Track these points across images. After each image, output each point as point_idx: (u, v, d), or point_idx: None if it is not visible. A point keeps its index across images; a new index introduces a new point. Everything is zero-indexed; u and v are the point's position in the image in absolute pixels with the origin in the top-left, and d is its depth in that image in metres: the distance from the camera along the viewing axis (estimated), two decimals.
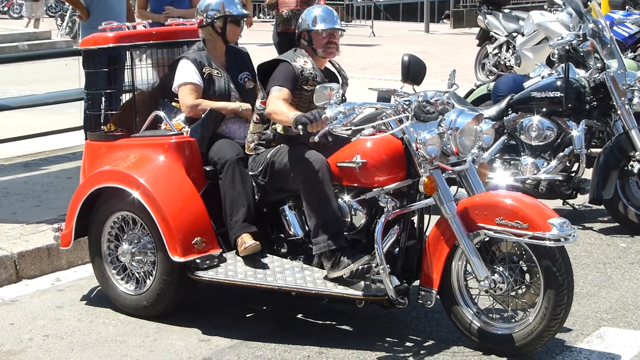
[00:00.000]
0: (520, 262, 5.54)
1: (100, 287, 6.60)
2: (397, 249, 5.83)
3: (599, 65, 8.13)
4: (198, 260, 5.97)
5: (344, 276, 5.69)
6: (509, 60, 14.83)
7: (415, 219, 5.98)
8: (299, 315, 6.30)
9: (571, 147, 8.08)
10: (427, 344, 5.81)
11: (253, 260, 6.08)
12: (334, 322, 6.16)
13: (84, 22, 10.00)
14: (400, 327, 6.07)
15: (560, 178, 8.12)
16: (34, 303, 6.67)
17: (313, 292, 5.78)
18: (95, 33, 6.82)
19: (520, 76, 9.01)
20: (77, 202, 6.38)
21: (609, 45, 8.15)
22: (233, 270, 5.98)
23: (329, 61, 6.44)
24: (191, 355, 5.73)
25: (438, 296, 5.67)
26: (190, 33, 6.90)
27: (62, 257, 7.36)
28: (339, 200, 5.92)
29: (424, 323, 6.11)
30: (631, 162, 8.01)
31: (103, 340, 5.99)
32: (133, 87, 6.65)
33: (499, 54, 15.30)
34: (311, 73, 6.15)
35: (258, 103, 6.24)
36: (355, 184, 5.86)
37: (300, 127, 5.61)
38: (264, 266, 6.02)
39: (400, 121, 5.71)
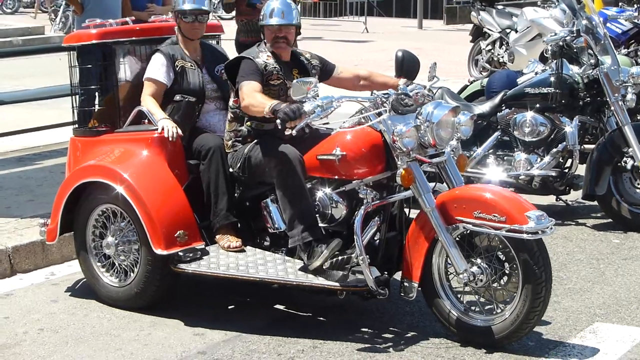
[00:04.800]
0: (499, 254, 5.60)
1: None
2: (378, 241, 5.90)
3: (592, 61, 8.16)
4: (181, 253, 6.05)
5: (324, 267, 5.76)
6: (502, 57, 14.88)
7: (395, 210, 6.03)
8: (293, 310, 6.36)
9: (564, 143, 8.12)
10: (421, 338, 5.84)
11: (235, 253, 6.16)
12: (327, 317, 6.22)
13: (78, 17, 10.05)
14: (394, 321, 6.11)
15: (553, 174, 8.16)
16: (29, 297, 6.71)
17: (294, 283, 5.85)
18: (79, 30, 6.87)
19: (514, 72, 9.09)
20: (62, 197, 6.46)
21: (602, 42, 8.18)
22: (215, 262, 6.06)
23: (297, 52, 6.49)
24: (185, 349, 5.76)
25: (419, 288, 5.73)
26: (170, 29, 6.92)
27: (56, 251, 7.40)
28: (320, 192, 5.99)
29: (417, 318, 6.15)
30: (624, 158, 8.04)
31: (97, 333, 6.03)
32: (115, 83, 6.71)
33: (492, 50, 15.32)
34: (275, 67, 6.20)
35: (231, 102, 6.32)
36: (336, 177, 5.93)
37: (279, 122, 5.67)
38: (246, 258, 6.09)
39: (379, 114, 5.79)
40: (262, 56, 6.21)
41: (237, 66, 6.18)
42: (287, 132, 5.67)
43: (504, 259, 5.61)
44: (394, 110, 5.75)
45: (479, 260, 5.62)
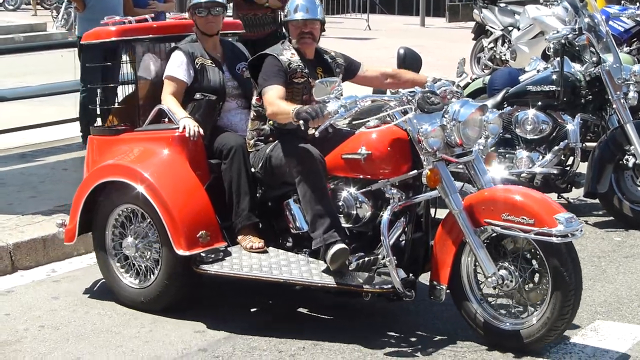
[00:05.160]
0: (530, 257, 5.49)
1: (95, 279, 6.67)
2: (404, 241, 5.80)
3: (594, 59, 8.15)
4: (203, 254, 5.94)
5: (350, 268, 5.65)
6: (505, 54, 14.88)
7: (421, 210, 5.93)
8: (296, 308, 6.28)
9: (566, 140, 8.07)
10: (424, 337, 5.78)
11: (258, 254, 6.06)
12: (329, 316, 6.16)
13: (80, 14, 10.03)
14: (399, 321, 6.05)
15: (555, 172, 8.10)
16: (30, 294, 6.67)
17: (319, 284, 5.75)
18: (97, 27, 6.77)
19: (516, 70, 9.04)
20: (80, 196, 6.36)
21: (604, 40, 8.16)
22: (238, 263, 5.95)
23: (322, 49, 6.37)
24: (186, 347, 5.74)
25: (448, 291, 5.64)
26: (190, 27, 6.82)
27: (57, 248, 7.35)
28: (344, 192, 5.89)
29: (422, 317, 6.08)
30: (626, 156, 8.00)
31: (98, 330, 5.99)
32: (135, 81, 6.62)
33: (494, 48, 15.34)
34: (299, 65, 6.10)
35: (254, 100, 6.21)
36: (361, 176, 5.83)
37: (301, 122, 5.57)
38: (270, 260, 5.98)
39: (405, 112, 5.68)
40: (286, 53, 6.10)
41: (260, 63, 6.07)
42: (310, 132, 5.57)
43: (533, 262, 5.49)
44: (420, 109, 5.64)
45: (507, 264, 5.51)
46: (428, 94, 5.72)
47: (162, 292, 6.12)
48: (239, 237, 6.18)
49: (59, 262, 7.33)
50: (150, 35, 6.67)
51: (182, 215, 5.95)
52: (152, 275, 6.19)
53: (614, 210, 8.08)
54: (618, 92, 7.92)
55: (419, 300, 5.87)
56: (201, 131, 6.19)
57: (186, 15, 6.79)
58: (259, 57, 6.15)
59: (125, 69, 6.80)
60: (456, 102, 5.66)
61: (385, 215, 5.61)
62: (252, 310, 6.30)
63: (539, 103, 8.19)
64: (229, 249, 6.10)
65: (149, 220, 6.15)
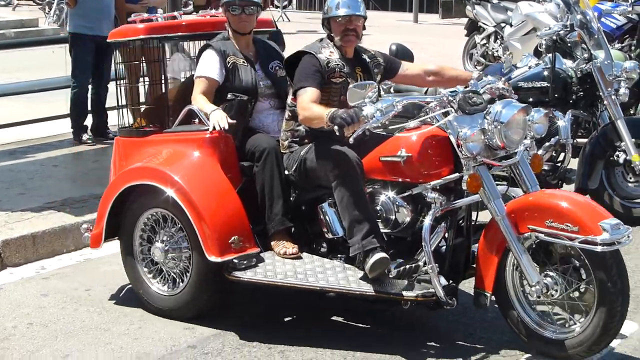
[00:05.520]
0: (577, 265, 5.25)
1: (85, 276, 6.68)
2: (445, 247, 5.57)
3: (586, 55, 8.12)
4: (235, 260, 5.72)
5: (390, 276, 5.42)
6: (497, 51, 14.92)
7: (462, 214, 5.70)
8: (330, 317, 6.09)
9: (557, 136, 8.00)
10: (464, 347, 5.61)
11: (292, 260, 5.85)
12: (320, 311, 6.06)
13: (71, 10, 9.97)
14: (437, 329, 5.89)
15: (546, 168, 8.00)
16: (19, 291, 6.59)
17: (357, 292, 5.52)
18: (125, 25, 6.56)
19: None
20: (107, 200, 6.14)
21: (596, 36, 8.11)
22: (272, 270, 5.73)
23: (361, 48, 6.14)
24: (175, 343, 5.69)
25: (493, 298, 5.43)
26: (220, 24, 6.61)
27: (47, 245, 7.29)
28: (382, 196, 5.66)
29: (462, 324, 5.89)
30: (617, 152, 7.93)
31: (87, 328, 5.93)
32: (165, 81, 6.39)
33: (487, 45, 15.38)
34: (337, 64, 5.86)
35: (289, 100, 5.98)
36: (400, 179, 5.60)
37: (336, 129, 5.36)
38: (304, 266, 5.76)
39: (446, 114, 5.45)
40: (325, 52, 5.88)
41: (297, 61, 5.85)
42: (345, 138, 5.36)
43: (580, 269, 5.25)
44: (461, 110, 5.40)
45: (553, 271, 5.28)
46: (470, 93, 5.48)
47: (193, 300, 5.90)
48: (272, 243, 5.97)
49: (48, 259, 7.26)
50: (180, 33, 6.43)
51: (214, 220, 5.73)
52: (181, 282, 5.98)
53: (604, 207, 7.91)
54: (609, 89, 7.88)
55: (440, 310, 5.65)
56: (228, 122, 5.93)
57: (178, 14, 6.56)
58: (295, 55, 5.92)
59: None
60: (498, 103, 5.42)
61: (427, 220, 5.38)
62: (241, 308, 6.22)
63: (530, 99, 8.07)
64: (261, 254, 5.88)
65: (179, 225, 5.93)
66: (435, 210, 5.41)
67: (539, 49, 8.82)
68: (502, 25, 14.83)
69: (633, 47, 10.44)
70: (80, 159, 9.75)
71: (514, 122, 5.33)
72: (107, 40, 6.55)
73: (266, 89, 6.35)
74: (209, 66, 6.20)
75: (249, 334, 5.73)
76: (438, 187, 5.48)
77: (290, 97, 5.94)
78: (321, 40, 6.00)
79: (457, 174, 5.44)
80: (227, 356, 5.52)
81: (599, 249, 4.98)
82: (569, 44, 8.43)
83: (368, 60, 6.07)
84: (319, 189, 5.91)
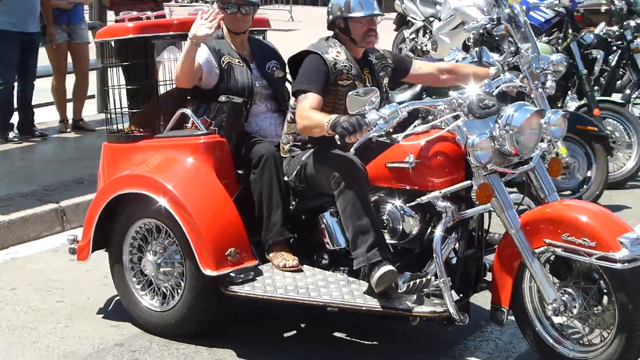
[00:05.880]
0: (597, 279, 4.91)
1: (8, 275, 6.49)
2: (455, 259, 5.23)
3: (513, 49, 8.03)
4: (232, 274, 5.35)
5: (400, 291, 5.07)
6: (426, 45, 14.79)
7: (473, 224, 5.36)
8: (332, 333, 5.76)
9: None
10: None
11: (292, 273, 5.49)
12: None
13: None
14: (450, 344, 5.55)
15: None
16: None
17: (362, 308, 5.16)
18: (114, 24, 6.19)
19: (436, 60, 8.84)
20: (95, 210, 5.78)
21: (523, 29, 7.91)
22: (271, 284, 5.37)
23: (369, 49, 5.77)
24: (103, 342, 5.62)
25: (511, 313, 5.11)
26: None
27: None
28: (389, 205, 5.31)
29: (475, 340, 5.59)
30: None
31: (13, 327, 5.83)
32: (155, 83, 6.02)
33: (415, 39, 15.32)
34: (345, 65, 5.50)
35: (292, 101, 5.61)
36: (407, 187, 5.25)
37: (337, 138, 4.98)
38: (305, 279, 5.42)
39: (456, 117, 5.11)
40: (332, 52, 5.52)
41: (300, 60, 5.50)
42: (349, 147, 5.01)
43: (599, 285, 4.91)
44: (472, 114, 5.05)
45: (572, 287, 4.94)
46: (481, 95, 5.13)
47: (186, 315, 5.54)
48: (271, 254, 5.62)
49: None
50: (171, 32, 6.05)
51: (210, 231, 5.37)
52: (174, 297, 5.62)
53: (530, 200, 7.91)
54: (536, 82, 7.59)
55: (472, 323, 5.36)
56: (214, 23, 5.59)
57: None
58: (300, 54, 5.58)
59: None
60: (510, 107, 5.06)
61: (438, 231, 5.03)
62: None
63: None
64: (259, 267, 5.53)
65: (171, 236, 5.56)
66: (447, 220, 5.06)
67: (467, 42, 8.72)
68: (431, 19, 14.75)
69: (560, 40, 10.39)
70: (7, 157, 9.56)
71: (526, 126, 4.99)
72: (96, 40, 6.17)
73: (263, 90, 5.99)
74: (197, 54, 5.78)
75: None
76: (449, 195, 5.13)
77: (292, 98, 5.59)
78: (327, 39, 5.65)
79: (468, 182, 5.10)
80: (154, 353, 5.44)
81: (617, 266, 4.64)
82: (496, 38, 8.45)
83: (375, 61, 5.71)
84: (320, 197, 5.57)
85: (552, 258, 4.98)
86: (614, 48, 10.16)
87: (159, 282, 5.68)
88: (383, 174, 5.29)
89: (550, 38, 11.67)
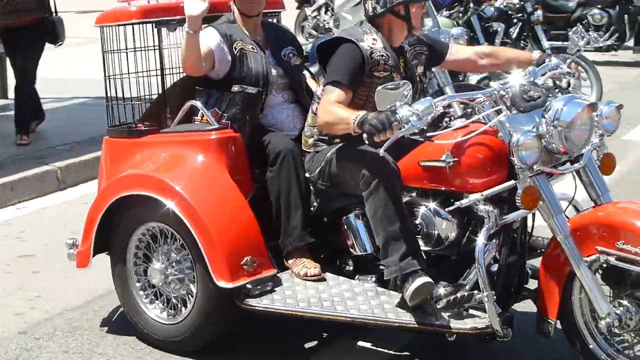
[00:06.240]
0: None
1: None
2: (496, 267, 4.69)
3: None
4: (249, 286, 4.84)
5: (438, 306, 4.54)
6: (328, 22, 14.57)
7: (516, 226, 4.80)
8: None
9: None
10: None
11: (315, 282, 4.97)
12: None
13: None
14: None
15: None
16: None
17: (395, 324, 4.64)
18: (115, 7, 5.62)
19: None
20: (96, 213, 5.25)
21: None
22: (292, 296, 4.85)
23: None
24: (5, 330, 5.54)
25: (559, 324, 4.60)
26: (224, 5, 5.63)
27: None
28: (422, 207, 4.78)
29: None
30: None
31: None
32: (162, 72, 5.47)
33: (317, 17, 15.29)
34: (382, 55, 4.92)
35: (319, 91, 5.07)
36: (443, 188, 4.71)
37: (365, 137, 4.42)
38: (329, 290, 4.90)
39: (498, 112, 4.56)
40: (368, 39, 4.94)
41: (333, 48, 4.94)
42: (381, 151, 4.46)
43: None
44: (515, 107, 4.51)
45: (627, 299, 4.42)
46: (525, 86, 4.58)
47: (197, 329, 5.01)
48: (290, 261, 5.10)
49: None
50: (178, 17, 5.48)
51: (224, 237, 4.85)
52: (184, 308, 5.10)
53: None
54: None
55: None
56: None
57: None
58: (332, 41, 5.02)
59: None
60: (558, 100, 4.51)
61: (480, 239, 4.48)
62: (72, 289, 6.09)
63: None
64: (278, 275, 5.01)
65: (180, 242, 5.04)
66: (490, 226, 4.52)
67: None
68: None
69: (461, 14, 10.18)
70: None
71: (577, 121, 4.45)
72: (95, 25, 5.60)
73: (279, 79, 5.45)
74: (207, 38, 5.26)
75: (81, 317, 5.63)
76: (489, 198, 4.59)
77: (320, 87, 5.04)
78: (361, 23, 5.08)
79: (511, 182, 4.55)
80: (58, 340, 5.37)
81: None
82: None
83: (408, 48, 5.15)
84: (345, 198, 5.05)
85: (603, 265, 4.46)
86: (515, 21, 10.57)
87: (167, 292, 5.16)
88: (416, 173, 4.75)
89: (451, 12, 11.61)
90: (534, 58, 5.20)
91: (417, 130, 4.41)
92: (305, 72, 5.66)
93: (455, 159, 4.57)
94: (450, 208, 4.61)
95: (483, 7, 10.49)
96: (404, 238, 4.65)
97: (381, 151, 4.42)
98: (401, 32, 5.01)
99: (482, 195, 4.52)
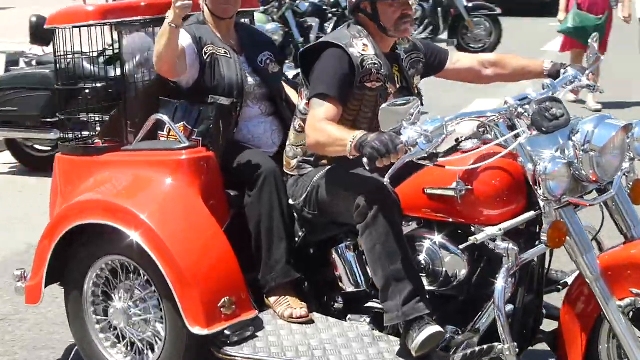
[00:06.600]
0: None
1: None
2: (511, 308, 4.07)
3: None
4: (228, 332, 4.19)
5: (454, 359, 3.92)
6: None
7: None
8: None
9: None
10: None
11: (302, 325, 4.34)
12: None
13: None
14: None
15: None
16: None
17: None
18: (69, 6, 4.91)
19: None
20: (48, 244, 4.56)
21: None
22: (277, 343, 4.21)
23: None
24: None
25: None
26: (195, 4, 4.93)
27: None
28: (427, 241, 4.16)
29: None
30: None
31: None
32: (123, 81, 4.77)
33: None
34: (374, 63, 4.27)
35: (302, 105, 4.42)
36: (450, 219, 4.09)
37: (366, 161, 3.76)
38: (319, 335, 4.27)
39: (517, 136, 3.94)
40: (357, 44, 4.29)
41: (316, 55, 4.28)
42: (385, 180, 3.79)
43: None
44: (537, 128, 3.88)
45: None
46: (546, 103, 3.96)
47: None
48: (272, 299, 4.48)
49: None
50: (140, 18, 4.80)
51: (198, 275, 4.21)
52: (151, 353, 4.45)
53: None
54: None
55: None
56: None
57: None
58: (316, 46, 4.37)
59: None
60: (588, 121, 3.90)
61: (500, 281, 3.86)
62: None
63: None
64: (259, 316, 4.37)
65: (145, 277, 4.38)
66: (510, 266, 3.90)
67: None
68: None
69: (276, 10, 10.22)
70: None
71: (610, 146, 3.84)
72: (45, 27, 4.89)
73: (256, 88, 4.81)
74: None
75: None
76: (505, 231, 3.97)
77: (304, 100, 4.39)
78: (348, 26, 4.43)
79: (531, 213, 3.95)
80: None
81: None
82: None
83: (404, 55, 4.51)
84: (334, 227, 4.43)
85: (635, 309, 3.88)
86: (330, 15, 10.54)
87: (130, 335, 4.50)
88: (419, 201, 4.13)
89: (266, 7, 11.47)
90: (546, 68, 4.62)
91: (425, 155, 3.77)
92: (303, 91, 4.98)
93: (469, 186, 3.95)
94: (464, 245, 3.97)
95: (297, 2, 10.47)
96: (407, 278, 4.02)
97: (386, 180, 3.77)
98: (383, 34, 4.36)
99: (501, 230, 3.90)
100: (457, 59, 4.74)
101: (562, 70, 4.54)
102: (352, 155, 3.89)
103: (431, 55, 4.64)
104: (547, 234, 3.78)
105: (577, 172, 3.84)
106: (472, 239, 3.92)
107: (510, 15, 17.45)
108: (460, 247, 4.01)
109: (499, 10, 15.77)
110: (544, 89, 4.26)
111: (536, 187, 3.80)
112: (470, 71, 4.76)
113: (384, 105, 3.74)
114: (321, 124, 4.09)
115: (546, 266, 4.24)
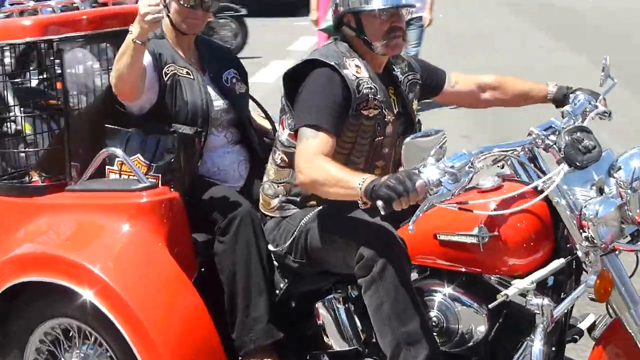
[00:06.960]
0: None
1: None
2: None
3: None
4: None
5: None
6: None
7: None
8: None
9: None
10: None
11: None
12: None
13: None
14: None
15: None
16: None
17: None
18: (4, 20, 4.16)
19: None
20: None
21: None
22: None
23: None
24: None
25: None
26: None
27: None
28: (438, 295, 3.56)
29: None
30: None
31: None
32: (65, 107, 4.03)
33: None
34: (370, 88, 3.65)
35: (284, 136, 3.77)
36: (463, 269, 3.50)
37: (380, 204, 3.11)
38: None
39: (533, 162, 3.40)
40: (350, 65, 3.66)
41: (301, 75, 3.64)
42: (410, 227, 3.14)
43: None
44: (570, 163, 3.32)
45: None
46: (577, 133, 3.40)
47: None
48: None
49: None
50: (84, 32, 4.07)
51: (166, 339, 3.54)
52: None
53: None
54: None
55: None
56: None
57: None
58: (301, 66, 3.70)
59: None
60: (630, 156, 3.41)
61: (538, 344, 3.29)
62: None
63: None
64: None
65: (100, 342, 3.68)
66: (545, 325, 3.32)
67: None
68: None
69: None
70: None
71: None
72: None
73: (222, 113, 4.14)
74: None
75: None
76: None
77: (287, 130, 3.73)
78: (335, 41, 3.78)
79: (561, 261, 3.38)
80: None
81: None
82: None
83: (401, 76, 3.89)
84: (321, 277, 3.81)
85: None
86: None
87: None
88: (429, 248, 3.52)
89: None
90: (551, 92, 4.08)
91: (450, 197, 3.16)
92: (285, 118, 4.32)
93: (494, 233, 3.35)
94: (495, 303, 3.36)
95: None
96: (421, 341, 3.42)
97: (410, 227, 3.12)
98: (370, 54, 3.75)
99: (533, 282, 3.31)
100: (456, 81, 4.13)
101: (572, 95, 4.00)
102: (362, 201, 3.24)
103: (428, 76, 4.03)
104: (595, 288, 3.22)
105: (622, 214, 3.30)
106: (501, 296, 3.32)
107: (256, 15, 17.01)
108: (490, 306, 3.39)
109: (244, 11, 15.45)
110: (563, 117, 3.70)
111: (582, 232, 3.23)
112: (468, 95, 4.17)
113: (408, 139, 3.12)
114: (317, 160, 3.44)
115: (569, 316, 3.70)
